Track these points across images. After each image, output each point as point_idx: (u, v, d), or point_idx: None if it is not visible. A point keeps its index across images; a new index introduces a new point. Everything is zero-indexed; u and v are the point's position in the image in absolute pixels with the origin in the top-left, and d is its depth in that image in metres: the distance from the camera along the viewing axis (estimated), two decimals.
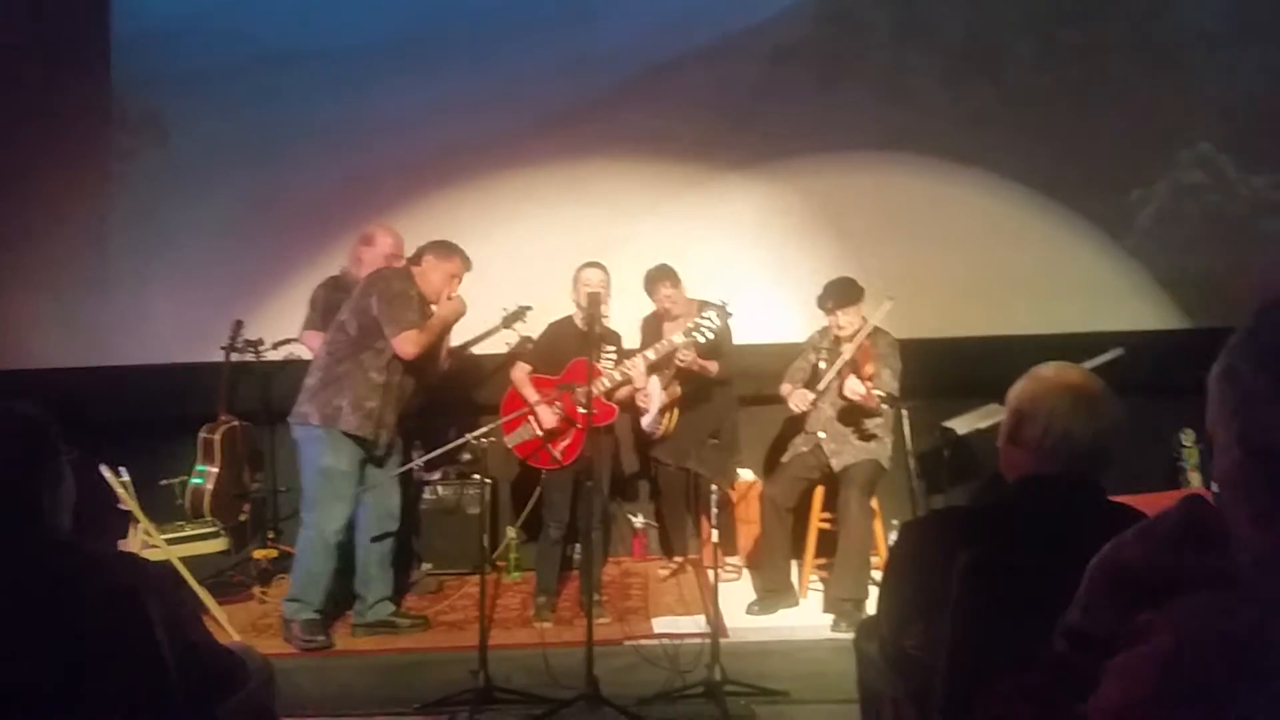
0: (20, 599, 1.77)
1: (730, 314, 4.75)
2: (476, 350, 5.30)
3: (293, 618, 4.42)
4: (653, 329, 5.18)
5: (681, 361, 4.85)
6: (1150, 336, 5.55)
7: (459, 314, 4.57)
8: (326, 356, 4.45)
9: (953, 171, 5.86)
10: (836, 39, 6.02)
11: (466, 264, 4.54)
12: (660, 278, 5.13)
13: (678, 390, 5.09)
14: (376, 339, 4.38)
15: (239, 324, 5.48)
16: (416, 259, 4.55)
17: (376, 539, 4.51)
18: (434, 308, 4.49)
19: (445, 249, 4.53)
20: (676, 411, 5.17)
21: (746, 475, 5.64)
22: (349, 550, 4.57)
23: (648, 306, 5.36)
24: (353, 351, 4.39)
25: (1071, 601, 1.16)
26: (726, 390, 5.24)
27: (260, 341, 5.49)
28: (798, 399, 4.81)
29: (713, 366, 5.04)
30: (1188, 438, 5.61)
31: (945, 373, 5.27)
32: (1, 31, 6.14)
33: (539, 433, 4.73)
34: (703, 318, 4.66)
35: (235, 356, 5.43)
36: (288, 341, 5.32)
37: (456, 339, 5.21)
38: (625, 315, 5.07)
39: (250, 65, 6.02)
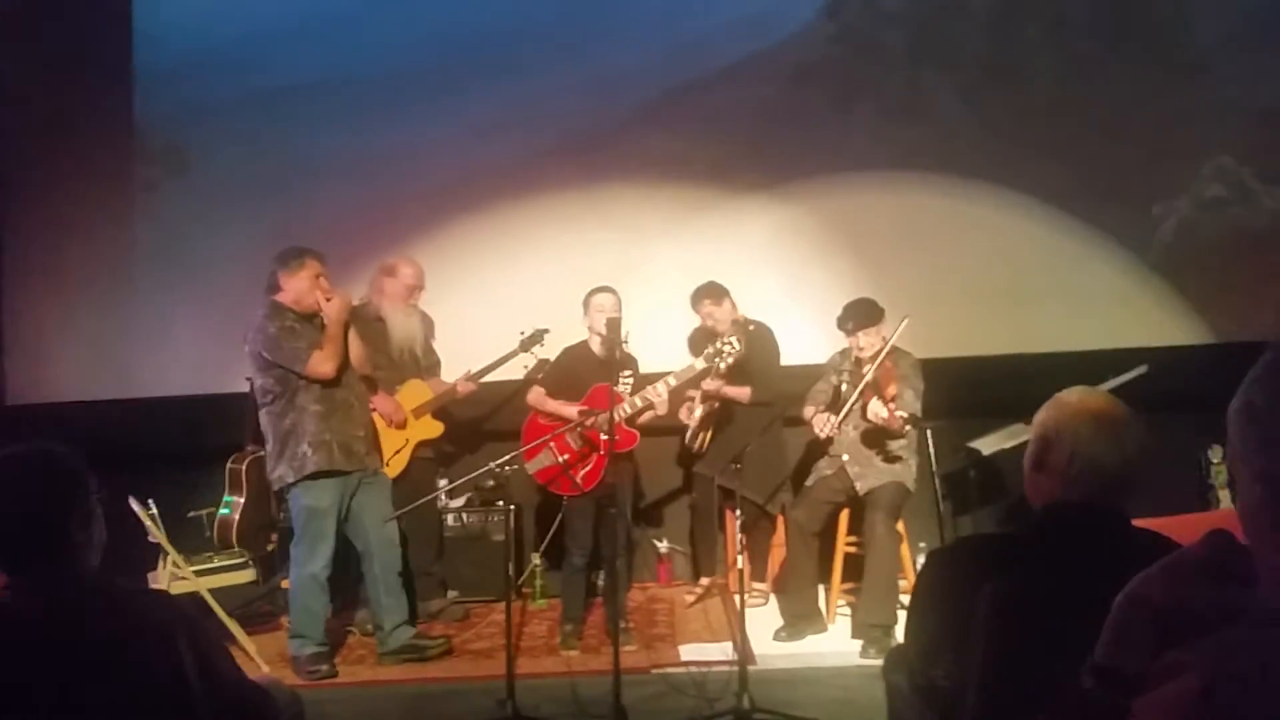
0: (52, 640, 1.79)
1: (743, 342, 4.60)
2: (495, 375, 5.31)
3: (297, 653, 4.46)
4: (701, 345, 5.09)
5: (706, 395, 4.87)
6: (1174, 352, 5.50)
7: (346, 307, 4.45)
8: (268, 417, 4.44)
9: (972, 189, 5.84)
10: (853, 59, 6.02)
11: (319, 257, 4.45)
12: (702, 295, 5.17)
13: (714, 406, 5.11)
14: (298, 379, 4.37)
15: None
16: (273, 285, 4.47)
17: (384, 568, 4.55)
18: (324, 308, 4.38)
19: (291, 258, 4.43)
20: (710, 431, 5.18)
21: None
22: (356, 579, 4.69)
23: (664, 329, 5.37)
24: (289, 403, 4.39)
25: (1099, 634, 1.15)
26: (768, 410, 5.15)
27: None
28: (820, 423, 4.80)
29: (741, 393, 5.04)
30: (1216, 455, 5.52)
31: (968, 392, 5.23)
32: (24, 67, 6.25)
33: (560, 459, 4.73)
34: (724, 342, 4.51)
35: None
36: None
37: (476, 364, 5.24)
38: (641, 338, 5.05)
39: (269, 96, 6.11)
